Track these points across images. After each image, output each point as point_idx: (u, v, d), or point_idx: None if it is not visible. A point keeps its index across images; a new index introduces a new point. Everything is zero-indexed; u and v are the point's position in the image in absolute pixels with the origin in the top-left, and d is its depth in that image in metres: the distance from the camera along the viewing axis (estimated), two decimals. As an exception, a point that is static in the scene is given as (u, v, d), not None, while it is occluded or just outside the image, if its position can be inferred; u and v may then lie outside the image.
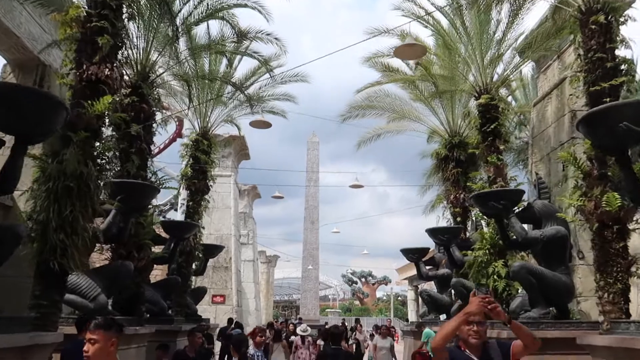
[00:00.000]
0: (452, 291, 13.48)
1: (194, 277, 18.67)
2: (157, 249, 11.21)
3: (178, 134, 44.84)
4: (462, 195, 12.98)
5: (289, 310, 58.91)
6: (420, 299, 37.45)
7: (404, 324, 40.91)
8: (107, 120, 7.01)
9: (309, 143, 37.33)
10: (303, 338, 11.54)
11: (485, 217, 9.36)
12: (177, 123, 45.31)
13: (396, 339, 24.20)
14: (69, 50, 6.76)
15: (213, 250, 14.10)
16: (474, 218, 11.65)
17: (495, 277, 9.23)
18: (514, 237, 8.03)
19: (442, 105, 13.44)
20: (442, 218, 13.57)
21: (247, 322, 26.04)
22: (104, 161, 6.70)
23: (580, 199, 6.54)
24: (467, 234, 12.64)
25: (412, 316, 30.61)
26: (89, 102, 6.39)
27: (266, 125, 10.62)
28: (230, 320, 12.92)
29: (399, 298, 63.74)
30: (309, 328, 12.67)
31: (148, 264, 9.83)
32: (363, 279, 74.58)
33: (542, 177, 8.64)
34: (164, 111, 10.08)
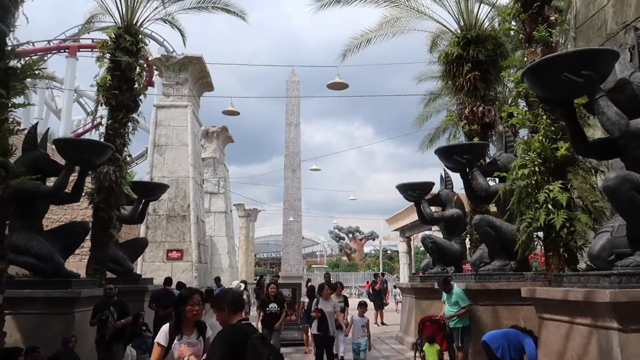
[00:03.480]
0: (468, 236, 10.44)
1: (145, 228, 15.45)
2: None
3: (148, 82, 40.57)
4: (480, 108, 9.68)
5: (276, 268, 57.21)
6: (413, 250, 34.76)
7: (391, 277, 38.50)
8: None
9: (287, 83, 33.15)
10: None
11: (545, 105, 6.06)
12: (145, 69, 41.22)
13: (386, 296, 21.51)
14: None
15: (151, 189, 10.70)
16: (504, 133, 8.33)
17: (549, 206, 6.03)
18: (605, 135, 4.78)
19: (453, -14, 9.89)
20: (454, 141, 10.30)
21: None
22: None
23: None
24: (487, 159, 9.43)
25: (404, 270, 27.94)
26: None
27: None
28: (167, 280, 9.79)
29: (388, 252, 61.82)
30: (242, 284, 11.27)
31: (23, 198, 6.44)
32: (350, 235, 72.42)
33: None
34: None
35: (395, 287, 23.73)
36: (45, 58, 42.62)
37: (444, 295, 7.47)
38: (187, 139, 16.12)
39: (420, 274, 21.01)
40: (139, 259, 15.10)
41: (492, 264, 7.66)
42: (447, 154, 8.08)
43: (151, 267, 14.96)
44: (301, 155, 31.42)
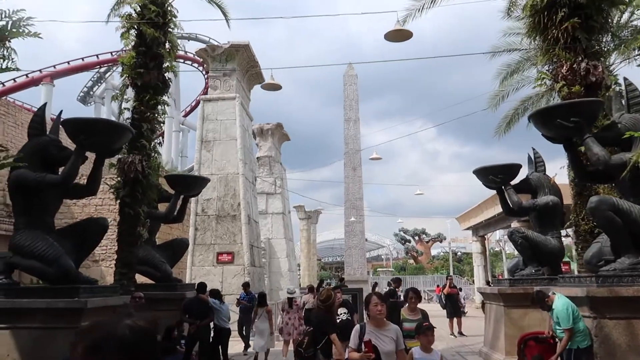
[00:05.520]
0: (573, 227, 8.40)
1: (193, 230, 14.36)
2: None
3: (207, 89, 40.68)
4: (583, 64, 7.60)
5: (342, 272, 56.30)
6: (488, 251, 31.74)
7: (461, 280, 35.57)
8: None
9: (345, 77, 31.80)
10: (290, 301, 9.84)
11: None
12: (204, 75, 41.19)
13: (462, 302, 18.89)
14: None
15: (190, 183, 9.44)
16: (626, 87, 6.25)
17: None
18: None
19: None
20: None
21: (278, 286, 21.77)
22: None
23: None
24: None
25: (478, 273, 25.43)
26: None
27: None
28: (201, 287, 8.43)
29: (457, 254, 58.69)
30: (296, 290, 10.26)
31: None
32: (416, 237, 69.72)
33: None
34: None
35: (460, 289, 21.40)
36: (112, 70, 44.17)
37: None
38: (236, 133, 14.91)
39: (499, 277, 18.32)
40: (188, 263, 14.07)
41: (618, 262, 5.63)
42: (548, 118, 6.13)
43: (201, 271, 13.85)
44: (361, 154, 29.92)
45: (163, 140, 43.58)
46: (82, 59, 41.35)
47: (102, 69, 44.84)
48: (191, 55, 40.69)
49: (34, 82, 38.41)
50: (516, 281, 8.73)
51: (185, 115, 50.26)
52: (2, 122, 15.45)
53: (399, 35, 8.11)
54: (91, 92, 47.78)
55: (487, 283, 20.92)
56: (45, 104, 6.66)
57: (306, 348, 5.56)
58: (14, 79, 38.26)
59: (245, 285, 11.43)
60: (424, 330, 4.52)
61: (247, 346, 10.82)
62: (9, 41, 5.01)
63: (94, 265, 15.94)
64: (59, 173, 6.67)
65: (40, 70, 38.74)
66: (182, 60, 44.15)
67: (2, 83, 37.96)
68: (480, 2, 12.24)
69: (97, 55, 40.95)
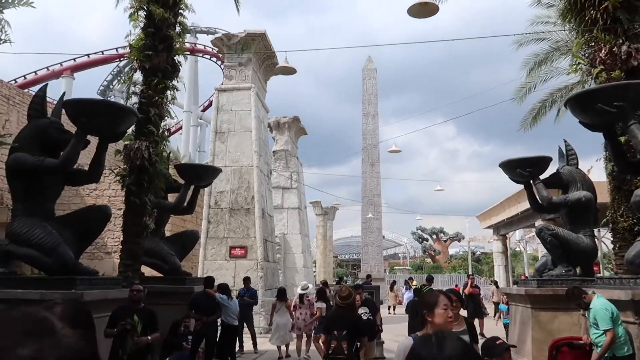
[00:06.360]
0: (611, 225, 7.80)
1: (206, 223, 14.01)
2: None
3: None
4: (624, 47, 6.98)
5: (358, 269, 56.03)
6: (509, 250, 30.92)
7: (490, 280, 34.72)
8: None
9: (364, 71, 31.31)
10: (302, 297, 9.93)
11: None
12: (222, 69, 41.23)
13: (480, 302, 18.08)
14: None
15: (200, 173, 9.06)
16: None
17: None
18: None
19: None
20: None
21: (293, 282, 21.37)
22: None
23: None
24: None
25: (499, 272, 24.69)
26: None
27: None
28: (208, 282, 8.02)
29: (476, 254, 57.69)
30: (309, 285, 10.47)
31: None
32: (434, 236, 68.79)
33: None
34: None
35: (477, 286, 20.65)
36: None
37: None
38: (251, 124, 14.50)
39: (523, 277, 17.56)
40: (200, 257, 13.76)
41: (667, 263, 5.05)
42: (588, 103, 5.54)
43: (213, 265, 13.51)
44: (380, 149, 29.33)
45: (181, 133, 43.35)
46: (102, 52, 41.49)
47: (122, 63, 44.87)
48: (210, 50, 40.61)
49: (55, 75, 38.64)
50: (545, 282, 8.13)
51: (204, 110, 50.22)
52: (17, 111, 15.32)
53: (423, 9, 7.41)
54: (111, 86, 47.95)
55: (495, 283, 20.16)
56: (46, 84, 6.31)
57: (349, 356, 4.97)
58: (35, 72, 38.63)
59: (246, 280, 10.98)
60: (500, 352, 3.01)
61: (241, 347, 10.33)
62: (2, 12, 4.66)
63: (107, 257, 15.75)
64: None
65: (60, 63, 38.98)
66: (200, 55, 44.06)
67: (24, 76, 38.34)
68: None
69: (116, 49, 41.01)
